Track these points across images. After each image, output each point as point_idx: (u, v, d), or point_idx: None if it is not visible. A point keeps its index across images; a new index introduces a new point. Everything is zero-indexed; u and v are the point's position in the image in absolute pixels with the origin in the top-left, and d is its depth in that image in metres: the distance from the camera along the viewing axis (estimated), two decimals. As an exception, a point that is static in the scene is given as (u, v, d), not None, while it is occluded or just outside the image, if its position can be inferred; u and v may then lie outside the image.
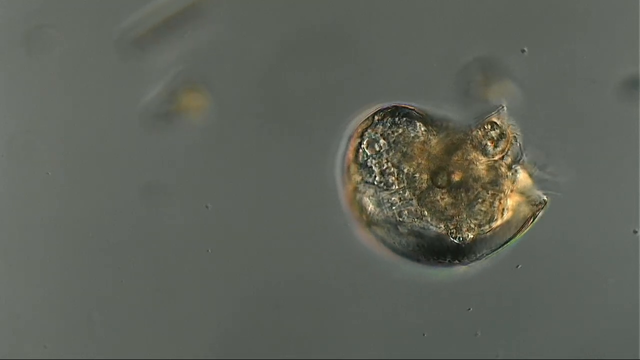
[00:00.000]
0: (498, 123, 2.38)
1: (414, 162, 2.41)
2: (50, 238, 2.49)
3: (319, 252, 2.46)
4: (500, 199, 2.39)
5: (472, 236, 2.40)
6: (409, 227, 2.42)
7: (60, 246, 2.48)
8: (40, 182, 2.48)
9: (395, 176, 2.41)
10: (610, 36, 2.39)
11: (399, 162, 2.41)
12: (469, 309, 2.42)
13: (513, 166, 2.40)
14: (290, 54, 2.45)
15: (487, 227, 2.40)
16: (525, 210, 2.40)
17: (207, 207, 2.46)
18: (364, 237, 2.45)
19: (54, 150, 2.48)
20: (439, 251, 2.42)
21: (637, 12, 2.36)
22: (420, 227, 2.42)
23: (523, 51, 2.39)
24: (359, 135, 2.44)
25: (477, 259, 2.42)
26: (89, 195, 2.47)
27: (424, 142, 2.41)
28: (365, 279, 2.45)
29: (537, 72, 2.40)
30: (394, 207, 2.41)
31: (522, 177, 2.40)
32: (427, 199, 2.41)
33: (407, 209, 2.41)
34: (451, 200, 2.40)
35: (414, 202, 2.41)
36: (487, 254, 2.42)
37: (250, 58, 2.44)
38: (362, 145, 2.43)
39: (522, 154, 2.40)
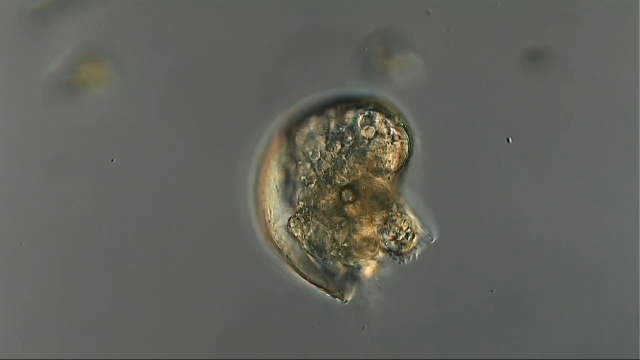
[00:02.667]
0: (414, 240, 2.41)
1: (357, 165, 2.42)
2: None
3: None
4: (339, 256, 2.42)
5: (297, 235, 2.42)
6: (295, 180, 2.43)
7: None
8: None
9: (338, 149, 2.41)
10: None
11: (352, 151, 2.41)
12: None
13: (377, 258, 2.42)
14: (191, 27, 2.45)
15: (306, 247, 2.43)
16: (335, 281, 2.44)
17: (112, 160, 2.43)
18: (266, 162, 2.45)
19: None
20: (280, 209, 2.44)
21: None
22: (296, 188, 2.42)
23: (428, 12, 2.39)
24: (377, 107, 2.43)
25: (278, 250, 2.45)
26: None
27: (379, 168, 2.42)
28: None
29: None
30: (312, 157, 2.42)
31: (367, 272, 2.44)
32: (326, 186, 2.41)
33: (312, 172, 2.42)
34: (329, 209, 2.42)
35: (320, 173, 2.42)
36: (286, 261, 2.45)
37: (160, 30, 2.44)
38: (361, 113, 2.42)
39: (386, 267, 2.43)
